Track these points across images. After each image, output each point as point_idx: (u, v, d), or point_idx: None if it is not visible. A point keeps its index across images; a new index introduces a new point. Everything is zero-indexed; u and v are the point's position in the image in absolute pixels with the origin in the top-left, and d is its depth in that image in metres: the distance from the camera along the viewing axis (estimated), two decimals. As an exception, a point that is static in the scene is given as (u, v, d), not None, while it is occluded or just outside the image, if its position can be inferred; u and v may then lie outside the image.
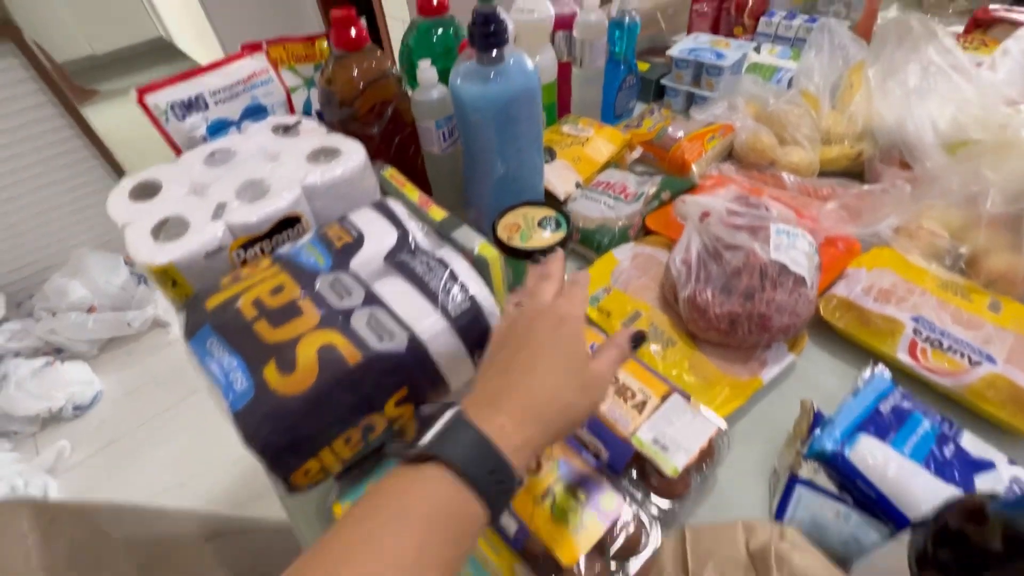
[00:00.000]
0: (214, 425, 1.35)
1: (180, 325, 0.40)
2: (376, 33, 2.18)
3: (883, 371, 0.46)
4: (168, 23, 3.09)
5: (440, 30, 0.65)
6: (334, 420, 0.34)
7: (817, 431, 0.42)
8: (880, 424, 0.41)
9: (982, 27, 0.99)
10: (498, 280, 0.49)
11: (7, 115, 1.42)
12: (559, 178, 0.72)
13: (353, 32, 0.55)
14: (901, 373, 0.49)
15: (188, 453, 1.34)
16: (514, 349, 0.31)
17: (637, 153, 0.81)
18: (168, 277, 0.44)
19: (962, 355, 0.47)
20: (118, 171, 1.66)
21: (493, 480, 0.25)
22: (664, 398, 0.44)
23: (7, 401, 1.33)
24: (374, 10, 2.07)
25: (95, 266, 1.61)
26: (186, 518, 0.61)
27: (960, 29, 1.02)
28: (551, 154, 0.75)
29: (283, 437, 0.32)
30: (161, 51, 3.35)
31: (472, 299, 0.39)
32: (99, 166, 1.63)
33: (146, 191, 0.51)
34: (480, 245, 0.47)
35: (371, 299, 0.38)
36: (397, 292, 0.38)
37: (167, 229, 0.46)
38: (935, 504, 0.30)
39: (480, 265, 0.46)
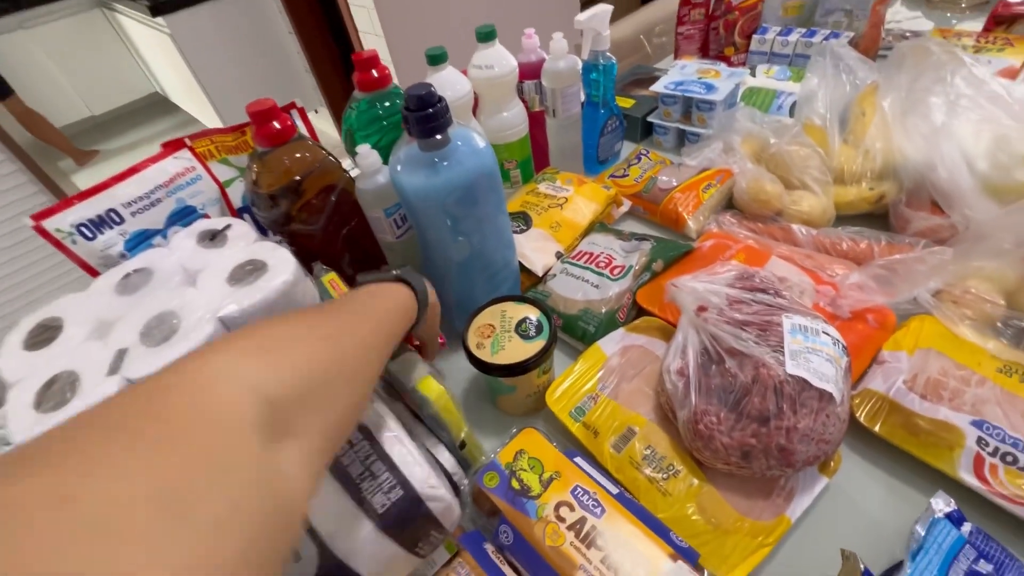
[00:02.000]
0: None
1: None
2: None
3: (941, 507, 0.36)
4: (161, 80, 3.12)
5: (385, 103, 0.57)
6: None
7: (869, 613, 0.32)
8: (953, 604, 0.31)
9: (1003, 24, 0.88)
10: (450, 413, 0.40)
11: (-13, 199, 1.41)
12: (536, 250, 0.63)
13: (277, 125, 0.48)
14: (967, 495, 0.39)
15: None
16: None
17: (625, 207, 0.72)
18: (53, 455, 0.37)
19: (1046, 475, 0.37)
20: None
21: (425, 300, 0.42)
22: (666, 563, 0.34)
23: None
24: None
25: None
26: None
27: (976, 26, 0.92)
28: (526, 221, 0.66)
29: None
30: (158, 106, 3.39)
31: (404, 483, 0.31)
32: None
33: (44, 335, 0.44)
34: (420, 381, 0.39)
35: None
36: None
37: (53, 392, 0.39)
38: None
39: (425, 406, 0.38)
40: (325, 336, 0.28)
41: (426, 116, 0.43)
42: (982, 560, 0.33)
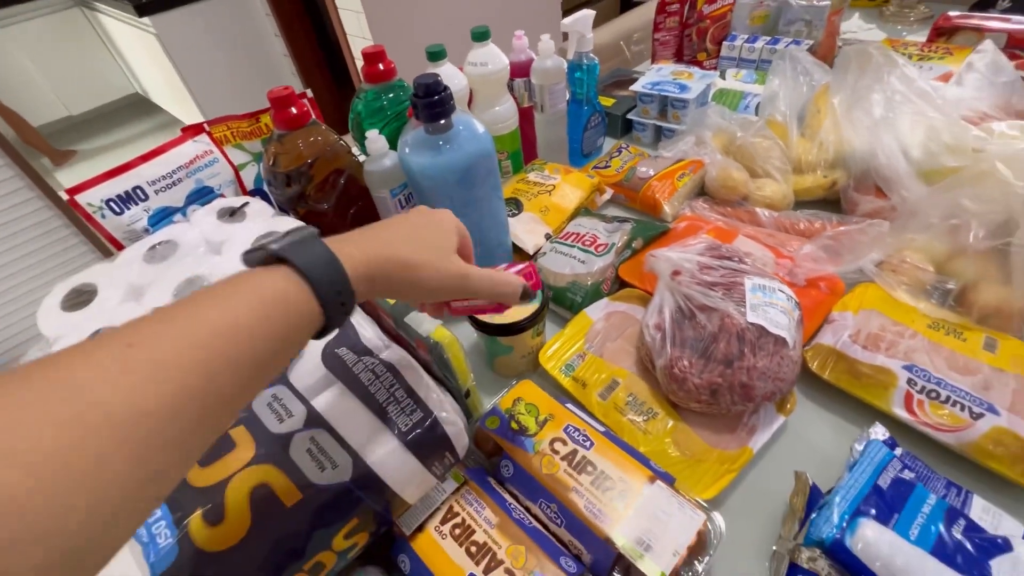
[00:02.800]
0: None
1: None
2: (349, 78, 2.19)
3: (878, 434, 0.43)
4: (142, 80, 3.10)
5: (390, 95, 0.63)
6: (273, 571, 0.30)
7: (813, 514, 0.38)
8: (881, 503, 0.37)
9: (945, 35, 0.98)
10: (458, 361, 0.45)
11: (-28, 193, 1.40)
12: (527, 232, 0.69)
13: (294, 110, 0.53)
14: (901, 427, 0.45)
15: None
16: (393, 219, 0.33)
17: (608, 195, 0.78)
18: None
19: (962, 407, 0.44)
20: (91, 238, 1.63)
21: (333, 291, 0.26)
22: (646, 486, 0.40)
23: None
24: (344, 57, 2.08)
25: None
26: None
27: (923, 38, 1.02)
28: (518, 206, 0.72)
29: None
30: (138, 106, 3.36)
31: (424, 409, 0.36)
32: (72, 235, 1.60)
33: (79, 298, 0.48)
34: (434, 329, 0.44)
35: (313, 420, 0.34)
36: (341, 409, 0.35)
37: (98, 344, 0.43)
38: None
39: (436, 351, 0.43)
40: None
41: (432, 102, 0.49)
42: (907, 470, 0.40)
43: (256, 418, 0.35)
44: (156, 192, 0.55)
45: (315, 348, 0.39)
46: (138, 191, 0.54)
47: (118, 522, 0.18)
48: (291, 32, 2.42)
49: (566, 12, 2.45)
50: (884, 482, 0.39)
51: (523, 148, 0.82)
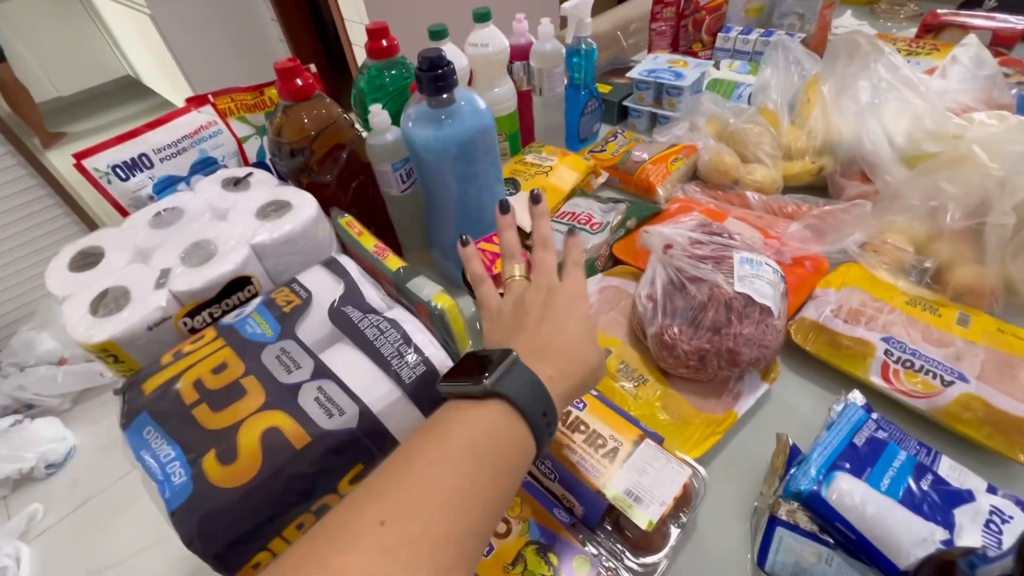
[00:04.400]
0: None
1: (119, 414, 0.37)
2: (344, 64, 2.18)
3: (856, 399, 0.45)
4: (134, 62, 3.06)
5: (392, 71, 0.64)
6: (283, 509, 0.32)
7: (793, 469, 0.40)
8: (856, 459, 0.39)
9: (932, 31, 1.01)
10: (457, 327, 0.47)
11: (-36, 169, 1.39)
12: (524, 210, 0.70)
13: (299, 81, 0.54)
14: (877, 396, 0.48)
15: (168, 506, 1.29)
16: (538, 319, 0.34)
17: (603, 178, 0.80)
18: (108, 354, 0.42)
19: (934, 375, 0.46)
20: (83, 216, 1.63)
21: (545, 421, 0.29)
22: (636, 444, 0.42)
23: (-26, 466, 1.28)
24: (342, 41, 2.07)
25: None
26: None
27: (912, 34, 1.04)
28: (515, 186, 0.74)
29: (225, 536, 0.30)
30: (129, 88, 3.32)
31: (426, 361, 0.37)
32: (64, 214, 1.60)
33: (87, 260, 0.49)
34: (436, 295, 0.46)
35: (320, 372, 0.36)
36: (347, 362, 0.37)
37: (107, 302, 0.44)
38: (915, 543, 0.29)
39: (436, 316, 0.45)
40: None
41: (436, 76, 0.50)
42: (880, 431, 0.42)
43: (265, 369, 0.36)
44: (161, 160, 0.56)
45: (322, 306, 0.41)
46: (144, 158, 0.55)
47: None
48: (288, 17, 2.41)
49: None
50: (859, 440, 0.41)
51: (521, 131, 0.84)
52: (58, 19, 2.93)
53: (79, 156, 0.51)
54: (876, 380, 0.48)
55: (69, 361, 1.54)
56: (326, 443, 0.33)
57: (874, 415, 0.44)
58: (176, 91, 2.63)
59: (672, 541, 0.40)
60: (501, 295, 0.39)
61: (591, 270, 0.62)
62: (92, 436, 1.48)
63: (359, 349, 0.37)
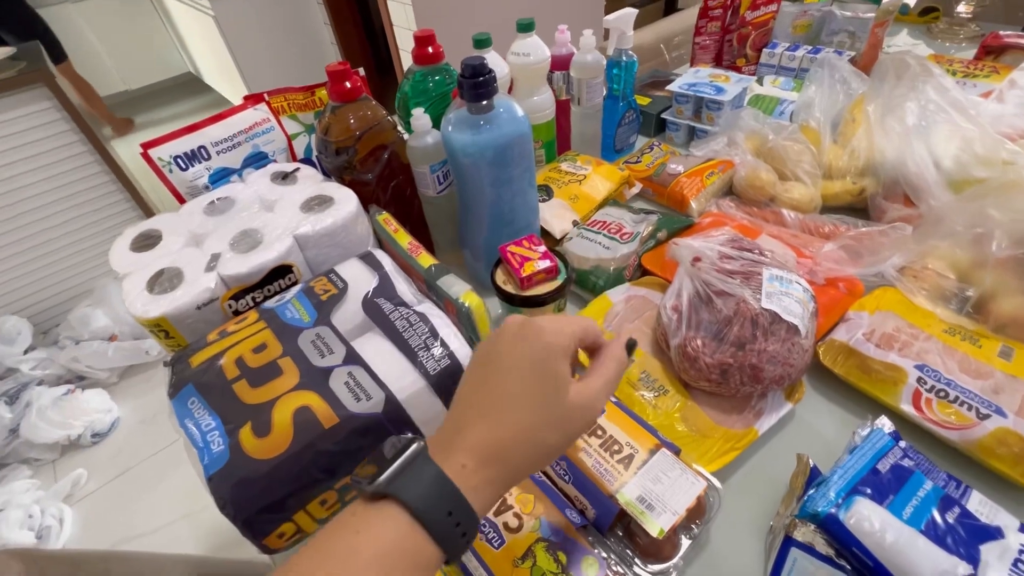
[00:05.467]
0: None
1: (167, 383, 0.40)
2: (391, 67, 2.25)
3: (883, 425, 0.44)
4: (196, 60, 3.24)
5: (436, 77, 0.67)
6: (309, 483, 0.34)
7: (811, 490, 0.40)
8: (878, 485, 0.39)
9: (993, 54, 0.97)
10: (484, 327, 0.48)
11: (39, 154, 1.50)
12: (556, 217, 0.72)
13: (348, 84, 0.57)
14: (906, 425, 0.46)
15: (197, 485, 1.34)
16: (487, 372, 0.28)
17: (636, 189, 0.80)
18: (161, 329, 0.45)
19: (970, 407, 0.45)
20: (142, 205, 1.73)
21: (451, 522, 0.24)
22: (652, 452, 0.42)
23: (29, 429, 1.37)
24: (389, 46, 2.14)
25: (117, 296, 1.66)
26: (173, 564, 0.61)
27: (971, 55, 1.00)
28: (548, 192, 0.75)
29: (255, 503, 0.32)
30: (188, 85, 3.51)
31: (451, 355, 0.39)
32: (124, 200, 1.70)
33: (146, 241, 0.53)
34: (464, 293, 0.47)
35: (351, 358, 0.38)
36: (377, 351, 0.38)
37: (162, 281, 0.47)
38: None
39: (464, 313, 0.46)
40: None
41: (477, 83, 0.52)
42: (907, 459, 0.41)
43: (301, 352, 0.38)
44: (218, 153, 0.60)
45: (357, 296, 0.43)
46: (202, 150, 0.58)
47: None
48: (339, 21, 2.50)
49: (609, 8, 2.46)
50: (883, 466, 0.40)
51: (557, 139, 0.85)
52: (130, 17, 3.13)
53: (146, 146, 0.55)
54: (907, 408, 0.46)
55: (119, 338, 1.64)
56: (352, 424, 0.35)
57: (901, 443, 0.43)
58: (232, 89, 2.77)
59: (682, 551, 0.40)
60: None
61: (618, 279, 0.63)
62: (135, 410, 1.56)
63: (388, 339, 0.39)
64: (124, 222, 1.73)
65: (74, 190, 1.59)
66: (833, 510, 0.37)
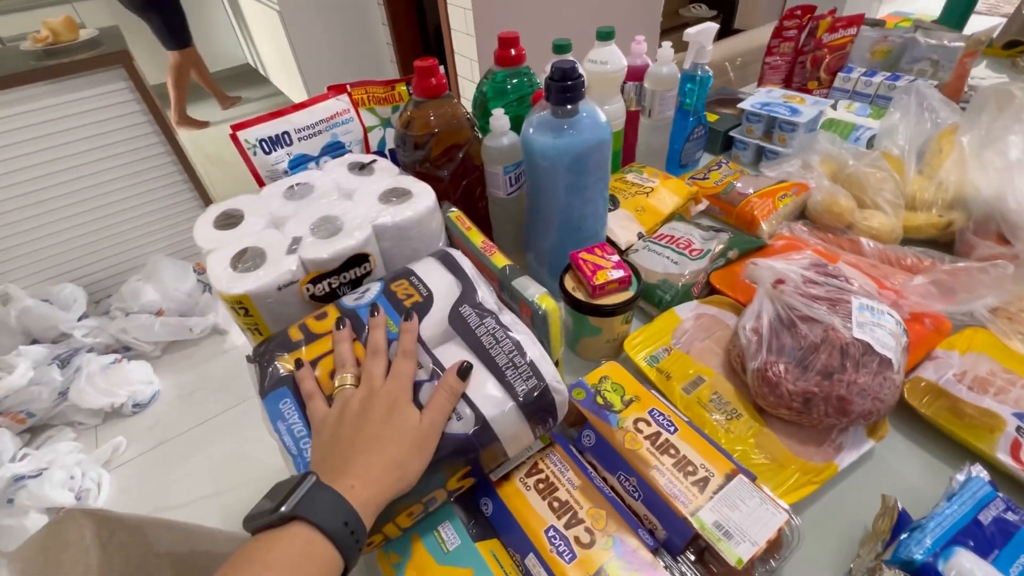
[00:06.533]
0: (254, 437, 1.39)
1: (254, 379, 0.41)
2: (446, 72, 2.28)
3: (981, 472, 0.41)
4: (258, 52, 3.35)
5: (515, 80, 0.67)
6: (399, 497, 0.34)
7: (903, 535, 0.38)
8: (980, 538, 0.36)
9: (1088, 92, 0.92)
10: (555, 330, 0.47)
11: (110, 132, 1.57)
12: (621, 227, 0.71)
13: (433, 80, 0.57)
14: (1001, 476, 0.43)
15: (227, 464, 1.37)
16: (352, 431, 0.34)
17: (702, 206, 0.79)
18: (242, 306, 0.46)
19: (1077, 463, 0.41)
20: (200, 191, 1.79)
21: (347, 531, 0.30)
22: (728, 477, 0.41)
23: (77, 393, 1.42)
24: (444, 49, 2.17)
25: (167, 272, 1.72)
26: (224, 537, 0.62)
27: (1061, 92, 0.96)
28: (614, 203, 0.74)
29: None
30: (246, 76, 3.64)
31: (539, 376, 0.38)
32: (182, 182, 1.76)
33: (229, 220, 0.54)
34: (540, 296, 0.47)
35: (439, 375, 0.38)
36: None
37: (245, 259, 0.48)
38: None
39: (539, 316, 0.46)
40: None
41: (566, 86, 0.51)
42: (1010, 512, 0.38)
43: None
44: (299, 140, 0.61)
45: (441, 307, 0.43)
46: (285, 136, 0.60)
47: None
48: (397, 22, 2.56)
49: (664, 31, 2.46)
50: (985, 518, 0.37)
51: (623, 150, 0.84)
52: (198, 6, 3.26)
53: (236, 128, 0.57)
54: (1004, 458, 0.43)
55: (165, 313, 1.69)
56: (445, 445, 0.35)
57: (1000, 495, 0.40)
58: (289, 82, 2.86)
59: (758, 586, 0.38)
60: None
61: (686, 295, 0.61)
62: (174, 385, 1.61)
63: (474, 353, 0.39)
64: (180, 202, 1.79)
65: (137, 168, 1.66)
66: (931, 559, 0.35)
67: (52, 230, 1.63)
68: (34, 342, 1.57)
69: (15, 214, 1.56)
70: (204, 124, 3.17)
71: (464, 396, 0.36)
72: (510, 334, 0.40)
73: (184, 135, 2.28)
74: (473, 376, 0.37)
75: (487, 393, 0.37)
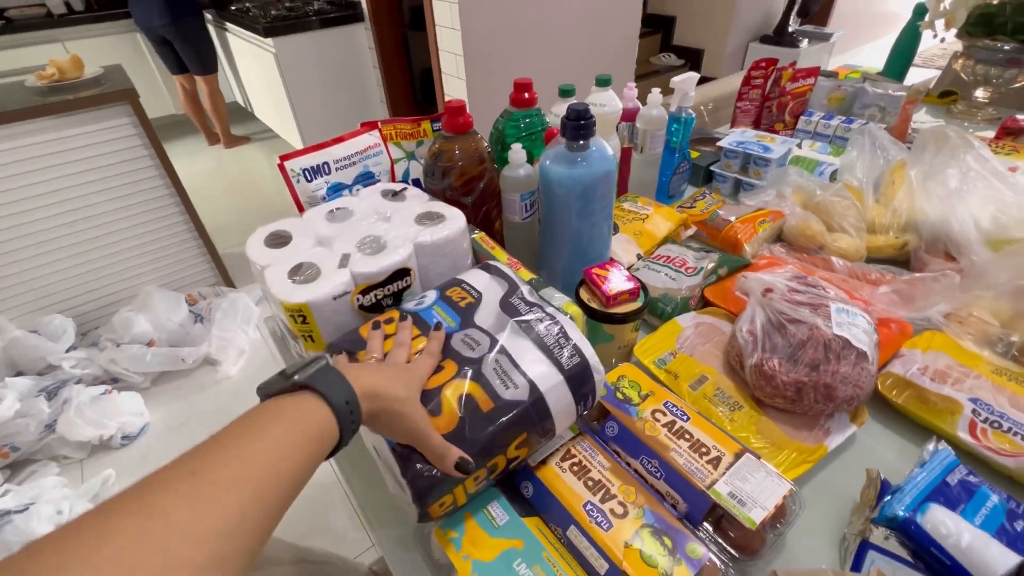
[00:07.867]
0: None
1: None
2: (429, 108, 2.40)
3: (946, 446, 0.49)
4: (247, 91, 3.43)
5: (527, 119, 0.75)
6: (472, 458, 0.39)
7: (887, 497, 0.44)
8: (949, 495, 0.43)
9: (1012, 135, 1.06)
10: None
11: (109, 165, 1.60)
12: (623, 249, 0.79)
13: (461, 119, 0.65)
14: (961, 451, 0.51)
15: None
16: (368, 369, 0.39)
17: (691, 231, 0.88)
18: (300, 314, 0.51)
19: (1023, 437, 0.49)
20: (196, 223, 1.82)
21: (347, 409, 0.33)
22: (737, 456, 0.47)
23: (65, 425, 1.39)
24: (435, 91, 2.29)
25: (159, 303, 1.72)
26: (276, 542, 0.64)
27: (989, 134, 1.10)
28: (615, 227, 0.82)
29: (432, 476, 0.37)
30: (235, 114, 3.70)
31: (582, 355, 0.44)
32: (178, 214, 1.79)
33: (278, 240, 0.59)
34: (566, 303, 0.53)
35: (496, 348, 0.44)
36: (517, 345, 0.44)
37: (301, 272, 0.53)
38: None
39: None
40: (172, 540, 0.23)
41: (580, 125, 0.60)
42: (971, 476, 0.45)
43: (454, 349, 0.44)
44: (336, 169, 0.67)
45: (491, 301, 0.49)
46: (325, 166, 0.66)
47: None
48: (387, 65, 2.69)
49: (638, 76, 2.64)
50: (952, 480, 0.44)
51: (617, 183, 0.93)
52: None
53: (284, 158, 0.63)
54: (963, 436, 0.51)
55: (156, 344, 1.68)
56: (506, 410, 0.40)
57: (962, 463, 0.48)
58: (280, 121, 2.94)
59: (767, 549, 0.43)
60: None
61: (685, 307, 0.69)
62: (164, 416, 1.58)
63: (527, 337, 0.45)
64: (175, 234, 1.81)
65: (133, 201, 1.68)
66: (910, 514, 0.42)
67: (43, 261, 1.63)
68: (18, 374, 1.54)
69: (6, 245, 1.55)
70: (246, 139, 3.28)
71: (516, 365, 0.42)
72: (556, 319, 0.46)
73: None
74: (525, 350, 0.43)
75: (538, 366, 0.43)
